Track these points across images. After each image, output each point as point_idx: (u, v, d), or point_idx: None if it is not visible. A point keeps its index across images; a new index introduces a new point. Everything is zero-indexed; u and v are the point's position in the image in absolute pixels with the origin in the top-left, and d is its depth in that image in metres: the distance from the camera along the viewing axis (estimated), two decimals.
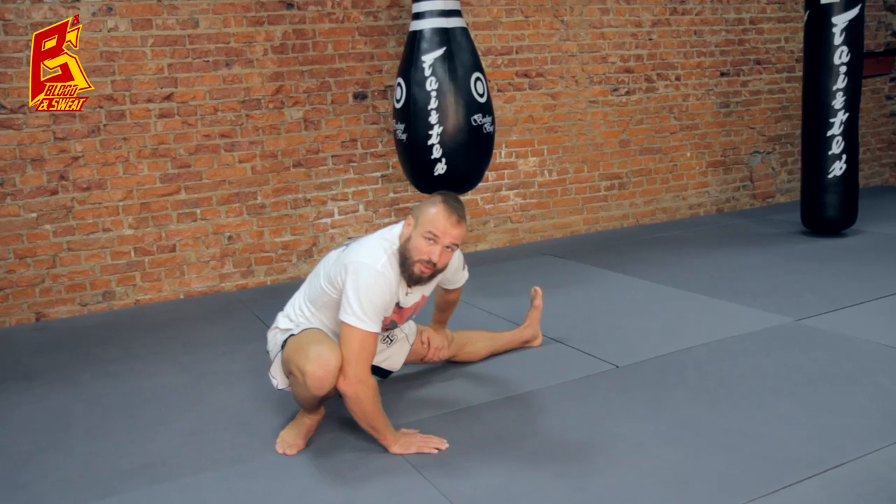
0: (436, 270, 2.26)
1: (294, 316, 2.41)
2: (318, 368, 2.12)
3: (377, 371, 2.58)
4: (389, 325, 2.47)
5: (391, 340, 2.62)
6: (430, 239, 2.20)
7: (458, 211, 2.23)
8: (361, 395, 2.15)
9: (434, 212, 2.20)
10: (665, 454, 2.15)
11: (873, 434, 2.18)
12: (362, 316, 2.14)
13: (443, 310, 2.76)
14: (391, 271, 2.23)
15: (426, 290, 2.44)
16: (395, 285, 2.28)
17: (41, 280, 3.94)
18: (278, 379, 2.39)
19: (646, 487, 1.99)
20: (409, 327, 2.69)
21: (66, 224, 3.95)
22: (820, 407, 2.38)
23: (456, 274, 2.58)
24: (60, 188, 3.92)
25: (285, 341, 2.32)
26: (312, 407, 2.30)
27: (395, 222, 2.42)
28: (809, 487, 1.94)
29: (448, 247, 2.23)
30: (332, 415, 2.52)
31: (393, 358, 2.65)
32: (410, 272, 2.25)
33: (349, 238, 2.55)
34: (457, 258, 2.53)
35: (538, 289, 3.09)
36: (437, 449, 2.24)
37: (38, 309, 3.95)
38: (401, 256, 2.26)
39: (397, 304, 2.36)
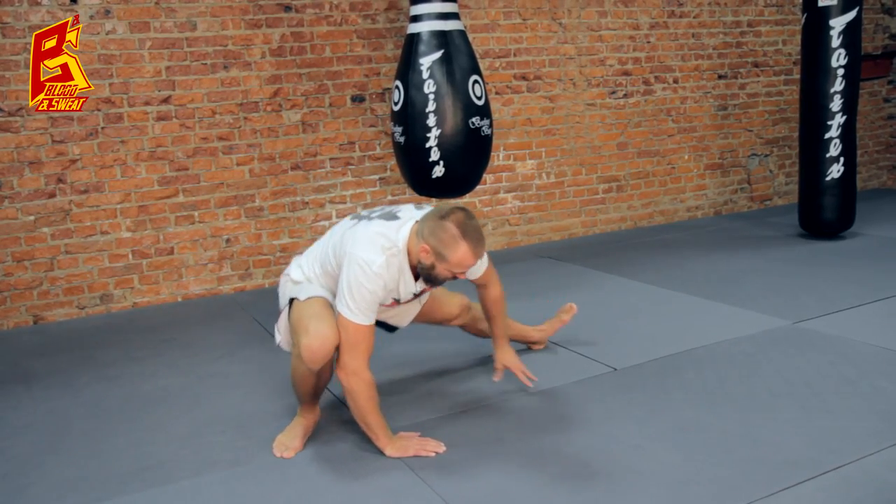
0: None
1: (306, 269, 2.41)
2: (315, 340, 2.15)
3: (383, 326, 2.54)
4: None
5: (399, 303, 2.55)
6: (455, 276, 2.25)
7: (481, 243, 2.20)
8: (355, 387, 2.17)
9: (460, 255, 2.16)
10: (663, 457, 2.15)
11: (871, 436, 2.19)
12: (355, 310, 2.16)
13: (494, 316, 2.61)
14: (387, 273, 2.21)
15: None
16: (393, 283, 2.26)
17: (39, 283, 3.93)
18: (281, 336, 2.40)
19: (644, 490, 1.99)
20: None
21: (64, 227, 3.94)
22: (817, 409, 2.39)
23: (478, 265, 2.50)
24: (58, 191, 3.91)
25: (292, 301, 2.33)
26: (308, 395, 2.31)
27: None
28: (807, 490, 1.94)
29: None
30: (329, 418, 2.52)
31: (400, 316, 2.57)
32: (436, 284, 2.31)
33: (362, 210, 2.43)
34: None
35: (574, 306, 3.05)
36: (434, 452, 2.24)
37: (36, 312, 3.95)
38: (424, 275, 2.26)
39: (396, 300, 2.35)
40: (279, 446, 2.33)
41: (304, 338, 2.17)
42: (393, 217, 2.28)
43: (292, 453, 2.30)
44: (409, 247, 2.23)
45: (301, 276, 2.40)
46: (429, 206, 2.34)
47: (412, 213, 2.30)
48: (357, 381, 2.17)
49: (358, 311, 2.16)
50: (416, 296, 2.44)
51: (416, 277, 2.30)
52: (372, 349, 2.22)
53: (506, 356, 2.61)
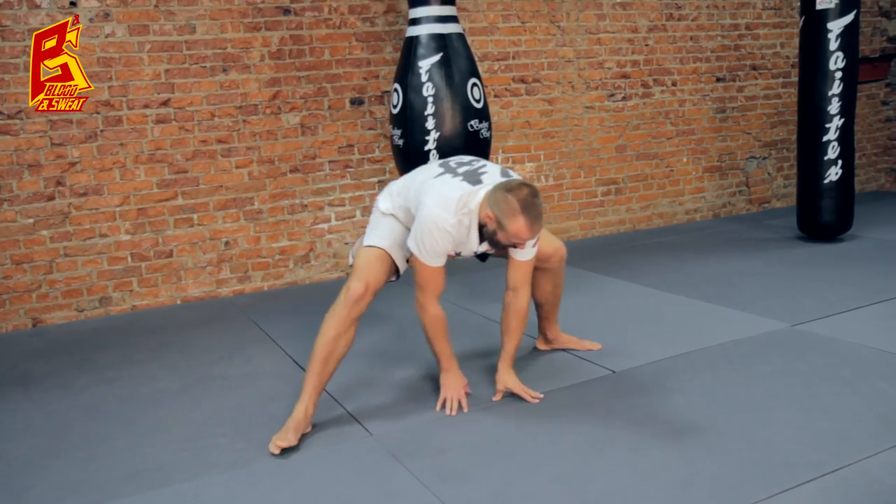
0: None
1: (392, 204, 2.62)
2: (359, 285, 2.46)
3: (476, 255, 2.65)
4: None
5: None
6: (515, 245, 2.40)
7: (539, 219, 2.33)
8: (424, 319, 2.53)
9: (517, 227, 2.30)
10: (662, 459, 2.15)
11: (870, 439, 2.19)
12: (426, 254, 2.42)
13: (512, 331, 2.63)
14: (456, 232, 2.41)
15: None
16: (461, 238, 2.45)
17: (38, 286, 3.93)
18: (354, 258, 2.63)
19: (643, 492, 1.99)
20: None
21: (63, 230, 3.95)
22: (816, 412, 2.39)
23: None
24: (57, 194, 3.91)
25: (363, 240, 2.63)
26: (324, 350, 2.42)
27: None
28: (806, 492, 1.94)
29: None
30: (328, 420, 2.52)
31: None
32: (497, 248, 2.47)
33: (451, 158, 2.61)
34: None
35: (599, 349, 3.07)
36: (451, 411, 2.51)
37: (35, 314, 3.94)
38: (487, 238, 2.42)
39: (458, 253, 2.52)
40: (274, 444, 2.33)
41: (352, 280, 2.49)
42: (476, 181, 2.45)
43: (285, 443, 2.31)
44: (479, 210, 2.39)
45: (386, 207, 2.64)
46: (514, 174, 2.52)
47: (495, 178, 2.45)
48: (424, 314, 2.52)
49: (428, 256, 2.42)
50: (478, 256, 2.60)
51: (482, 239, 2.46)
52: (441, 287, 2.51)
53: (508, 379, 2.66)
